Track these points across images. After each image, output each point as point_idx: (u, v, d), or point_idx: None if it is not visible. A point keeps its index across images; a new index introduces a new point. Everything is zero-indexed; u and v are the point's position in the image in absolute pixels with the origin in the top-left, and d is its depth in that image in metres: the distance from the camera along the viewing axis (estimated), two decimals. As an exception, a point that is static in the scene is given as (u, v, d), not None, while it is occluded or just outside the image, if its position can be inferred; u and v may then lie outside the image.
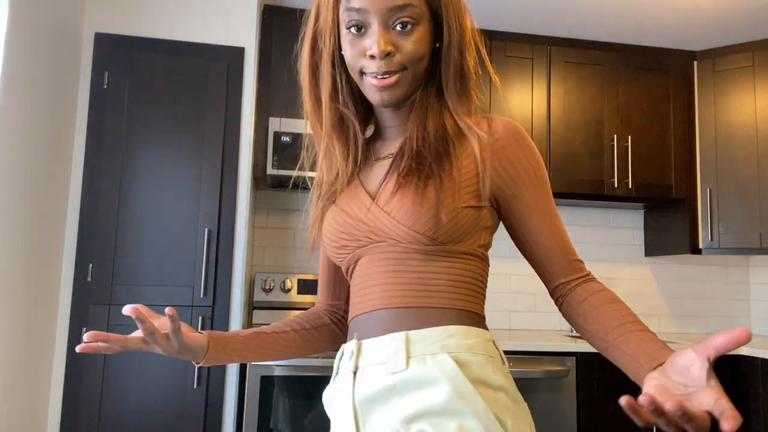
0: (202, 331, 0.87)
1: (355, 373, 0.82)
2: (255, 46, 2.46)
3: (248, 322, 2.70)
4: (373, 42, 0.80)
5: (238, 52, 2.41)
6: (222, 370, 2.27)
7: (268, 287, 2.67)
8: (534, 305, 3.08)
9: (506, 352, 2.32)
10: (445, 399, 0.74)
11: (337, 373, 0.87)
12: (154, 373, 2.21)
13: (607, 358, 0.79)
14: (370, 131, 0.96)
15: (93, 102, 2.30)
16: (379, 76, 0.81)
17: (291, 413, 2.16)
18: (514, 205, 0.85)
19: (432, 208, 0.79)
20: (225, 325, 2.30)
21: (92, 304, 2.21)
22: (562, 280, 0.85)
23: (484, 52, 0.89)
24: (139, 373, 2.20)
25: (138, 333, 0.81)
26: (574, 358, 2.36)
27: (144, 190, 2.29)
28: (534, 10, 2.70)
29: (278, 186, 2.75)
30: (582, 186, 2.80)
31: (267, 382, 2.16)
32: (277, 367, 2.17)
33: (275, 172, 2.47)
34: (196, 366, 0.87)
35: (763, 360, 2.33)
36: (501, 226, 2.76)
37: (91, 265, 2.23)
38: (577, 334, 2.92)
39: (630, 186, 2.81)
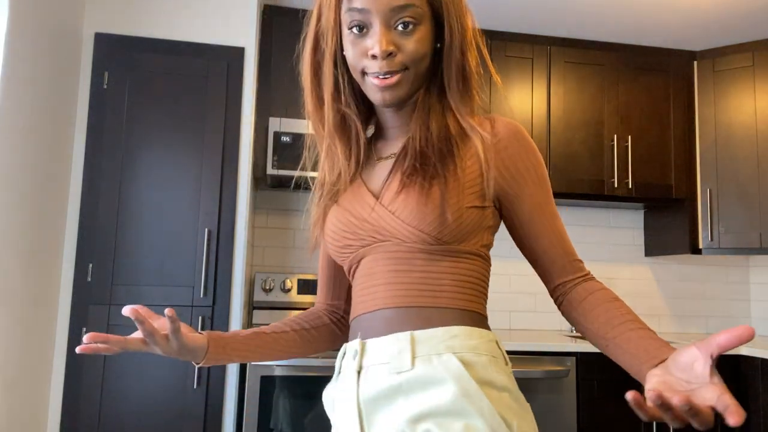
0: (202, 332, 0.87)
1: (359, 372, 0.82)
2: (255, 46, 2.46)
3: (248, 322, 2.70)
4: (374, 42, 0.80)
5: (238, 52, 2.41)
6: (222, 370, 2.27)
7: (268, 287, 2.67)
8: (534, 305, 3.08)
9: (506, 352, 2.32)
10: (451, 399, 0.75)
11: (339, 373, 0.87)
12: (154, 373, 2.21)
13: (608, 355, 0.80)
14: (370, 131, 0.96)
15: (93, 102, 2.30)
16: (380, 76, 0.81)
17: (291, 413, 2.16)
18: (516, 206, 0.86)
19: (437, 208, 0.80)
20: (225, 325, 2.30)
21: (92, 304, 2.21)
22: (563, 279, 0.87)
23: (485, 51, 0.89)
24: (139, 373, 2.20)
25: (138, 334, 0.81)
26: (574, 358, 2.36)
27: (144, 190, 2.29)
28: (534, 10, 2.70)
29: (278, 186, 2.75)
30: (582, 186, 2.80)
31: (267, 382, 2.16)
32: (278, 367, 2.17)
33: (275, 172, 2.47)
34: (196, 366, 0.88)
35: (763, 360, 2.33)
36: (501, 226, 2.76)
37: (91, 265, 2.23)
38: (577, 334, 2.92)
39: (630, 186, 2.81)
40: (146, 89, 2.33)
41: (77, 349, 0.75)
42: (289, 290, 2.69)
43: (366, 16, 0.80)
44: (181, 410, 2.21)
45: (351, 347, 0.85)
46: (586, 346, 2.37)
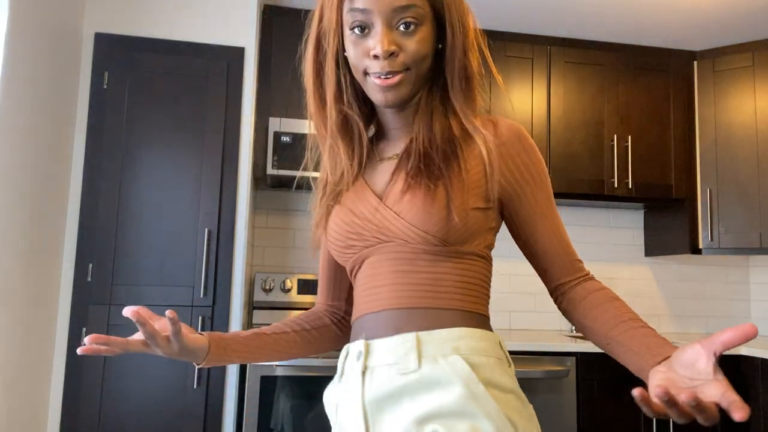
0: (203, 333, 0.87)
1: (363, 373, 0.82)
2: (255, 46, 2.46)
3: (248, 322, 2.70)
4: (376, 42, 0.80)
5: (238, 52, 2.41)
6: (222, 370, 2.27)
7: (268, 287, 2.67)
8: (534, 305, 3.08)
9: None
10: (459, 400, 0.75)
11: (342, 374, 0.87)
12: (154, 373, 2.21)
13: (609, 354, 0.81)
14: (371, 131, 0.96)
15: (93, 102, 2.30)
16: (382, 76, 0.81)
17: (291, 413, 2.16)
18: (518, 207, 0.87)
19: (443, 210, 0.80)
20: (225, 325, 2.30)
21: (92, 304, 2.21)
22: (563, 279, 0.88)
23: (487, 52, 0.89)
24: (139, 373, 2.20)
25: (139, 335, 0.81)
26: (574, 358, 2.36)
27: (144, 190, 2.29)
28: (534, 10, 2.70)
29: (278, 186, 2.75)
30: (582, 186, 2.80)
31: (267, 382, 2.16)
32: (278, 367, 2.17)
33: (275, 172, 2.47)
34: (197, 367, 0.87)
35: (763, 360, 2.33)
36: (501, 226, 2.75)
37: (91, 265, 2.23)
38: (578, 334, 2.92)
39: (630, 186, 2.81)
40: (146, 89, 2.33)
41: (78, 351, 0.75)
42: (289, 290, 2.69)
43: (368, 17, 0.80)
44: (181, 410, 2.21)
45: (355, 348, 0.85)
46: (586, 346, 2.37)
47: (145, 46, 2.35)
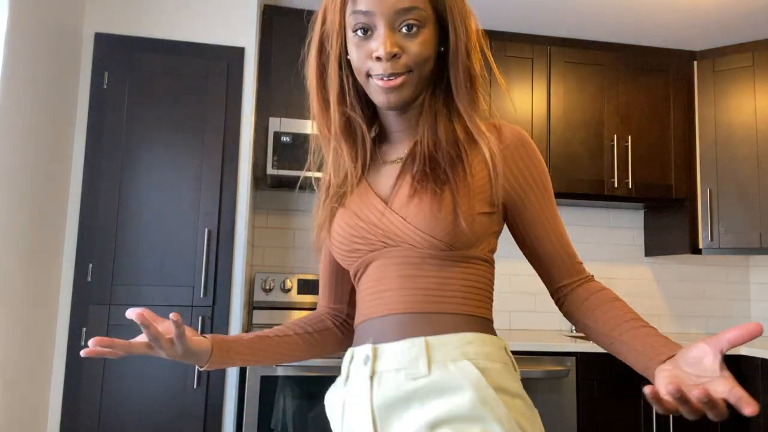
0: (206, 335, 0.87)
1: (371, 377, 0.82)
2: (255, 46, 2.46)
3: (248, 322, 2.70)
4: (379, 44, 0.80)
5: (238, 52, 2.41)
6: (222, 370, 2.27)
7: (268, 287, 2.67)
8: (534, 305, 3.08)
9: (506, 352, 2.32)
10: (470, 405, 0.76)
11: (347, 377, 0.87)
12: (154, 373, 2.21)
13: (612, 353, 0.82)
14: (373, 133, 0.96)
15: (93, 102, 2.30)
16: (385, 78, 0.81)
17: (291, 413, 2.16)
18: (521, 211, 0.88)
19: (450, 215, 0.80)
20: (225, 325, 2.30)
21: (92, 304, 2.21)
22: (565, 281, 0.89)
23: (489, 54, 0.89)
24: (139, 373, 2.20)
25: (142, 338, 0.81)
26: (574, 358, 2.36)
27: (144, 190, 2.29)
28: (534, 10, 2.70)
29: (278, 186, 2.75)
30: (582, 186, 2.80)
31: (267, 382, 2.16)
32: (278, 367, 2.17)
33: (275, 172, 2.47)
34: (200, 369, 0.87)
35: (763, 360, 2.33)
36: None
37: (91, 265, 2.23)
38: (578, 334, 2.92)
39: (630, 186, 2.81)
40: (146, 89, 2.33)
41: (82, 353, 0.75)
42: (289, 290, 2.69)
43: (370, 19, 0.81)
44: (181, 410, 2.21)
45: (361, 352, 0.85)
46: (586, 346, 2.37)
47: (145, 46, 2.35)
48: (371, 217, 0.85)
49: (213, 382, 2.25)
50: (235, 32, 2.43)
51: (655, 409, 0.59)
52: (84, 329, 2.20)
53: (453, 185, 0.82)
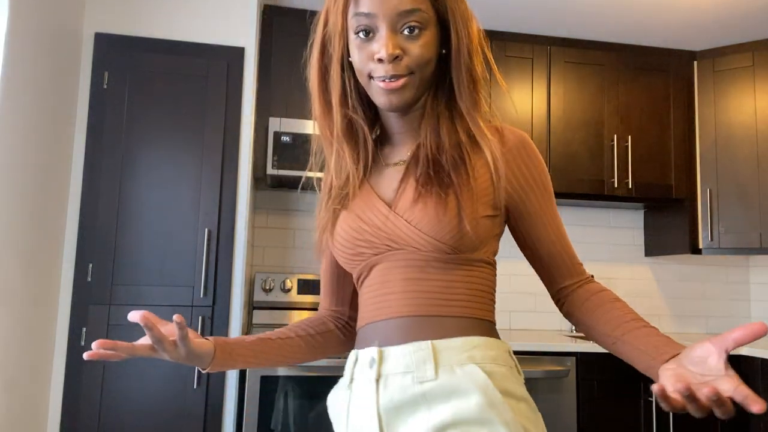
0: (208, 338, 0.87)
1: (377, 380, 0.82)
2: (255, 46, 2.46)
3: (248, 322, 2.70)
4: (381, 46, 0.80)
5: (238, 52, 2.41)
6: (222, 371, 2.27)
7: (268, 287, 2.67)
8: (534, 305, 3.08)
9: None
10: (477, 409, 0.76)
11: (352, 380, 0.87)
12: (154, 373, 2.21)
13: (614, 353, 0.83)
14: (374, 135, 0.96)
15: (93, 102, 2.30)
16: (386, 80, 0.81)
17: (291, 413, 2.16)
18: (523, 213, 0.88)
19: (455, 218, 0.81)
20: (225, 325, 2.30)
21: (92, 304, 2.21)
22: (566, 282, 0.90)
23: (490, 56, 0.90)
24: (139, 373, 2.20)
25: (145, 340, 0.81)
26: (574, 358, 2.36)
27: (144, 190, 2.29)
28: (534, 10, 2.70)
29: (278, 186, 2.75)
30: (582, 186, 2.80)
31: (267, 382, 2.16)
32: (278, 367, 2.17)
33: (275, 172, 2.47)
34: (202, 371, 0.87)
35: (763, 360, 2.33)
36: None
37: (91, 265, 2.23)
38: (578, 334, 2.92)
39: (630, 186, 2.81)
40: (146, 89, 2.33)
41: (85, 356, 0.74)
42: (289, 290, 2.69)
43: (372, 21, 0.81)
44: (181, 410, 2.21)
45: (366, 354, 0.85)
46: (586, 346, 2.37)
47: (145, 46, 2.35)
48: (375, 221, 0.85)
49: (213, 382, 2.25)
50: (235, 32, 2.43)
51: (661, 406, 0.60)
52: (84, 329, 2.20)
53: (457, 189, 0.82)
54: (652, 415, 2.38)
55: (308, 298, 2.70)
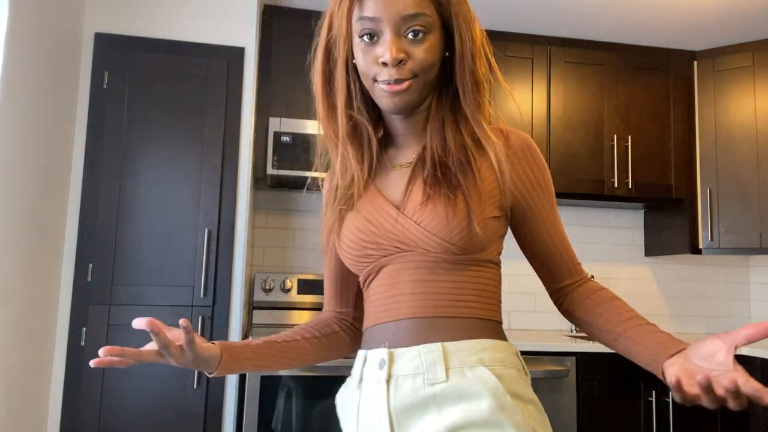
0: (214, 342, 0.87)
1: (387, 381, 0.82)
2: (255, 46, 2.46)
3: (248, 322, 2.70)
4: (385, 50, 0.81)
5: (238, 52, 2.41)
6: (222, 370, 2.27)
7: (268, 287, 2.67)
8: (534, 305, 3.08)
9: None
10: (488, 412, 0.77)
11: (361, 380, 0.87)
12: (154, 373, 2.21)
13: (615, 349, 0.84)
14: (378, 135, 0.97)
15: (93, 102, 2.30)
16: (391, 83, 0.82)
17: (292, 413, 2.16)
18: (527, 214, 0.90)
19: (464, 220, 0.82)
20: (225, 325, 2.30)
21: (92, 304, 2.21)
22: (565, 282, 0.91)
23: (493, 60, 0.90)
24: (139, 373, 2.20)
25: (151, 345, 0.81)
26: (574, 358, 2.36)
27: (144, 190, 2.29)
28: (534, 10, 2.70)
29: (278, 186, 2.75)
30: (582, 186, 2.80)
31: (267, 382, 2.16)
32: (277, 367, 2.17)
33: (275, 172, 2.47)
34: (209, 376, 0.88)
35: (763, 360, 2.33)
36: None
37: (91, 265, 2.23)
38: (578, 334, 2.92)
39: (630, 186, 2.81)
40: (146, 89, 2.33)
41: (92, 363, 0.74)
42: (289, 290, 2.69)
43: (377, 25, 0.81)
44: (181, 410, 2.21)
45: (375, 355, 0.85)
46: (586, 346, 2.37)
47: (145, 46, 2.35)
48: (384, 223, 0.86)
49: (213, 382, 2.25)
50: (235, 32, 2.43)
51: (674, 398, 0.62)
52: (84, 329, 2.20)
53: (465, 190, 0.83)
54: (652, 414, 2.38)
55: (308, 298, 2.70)
